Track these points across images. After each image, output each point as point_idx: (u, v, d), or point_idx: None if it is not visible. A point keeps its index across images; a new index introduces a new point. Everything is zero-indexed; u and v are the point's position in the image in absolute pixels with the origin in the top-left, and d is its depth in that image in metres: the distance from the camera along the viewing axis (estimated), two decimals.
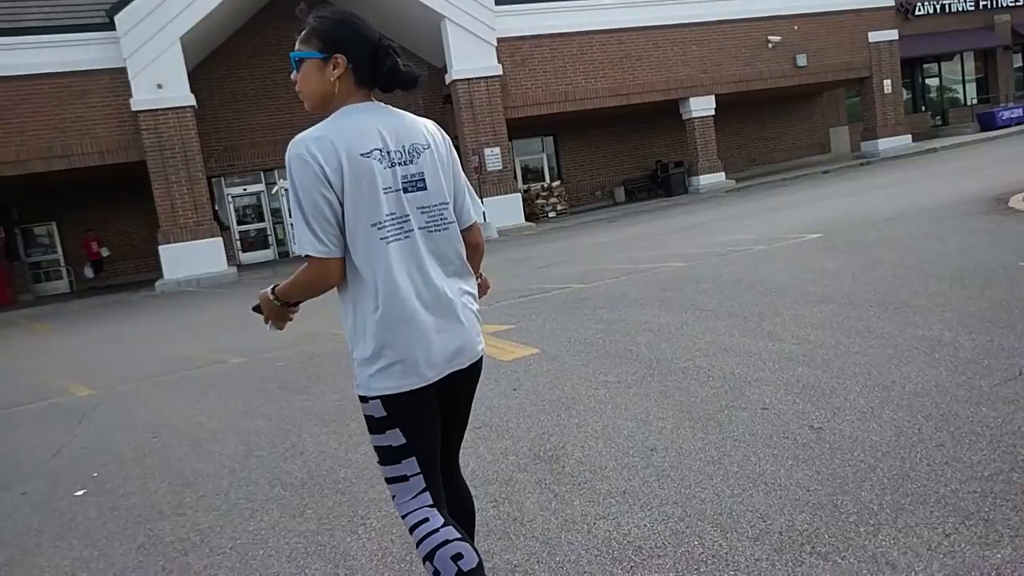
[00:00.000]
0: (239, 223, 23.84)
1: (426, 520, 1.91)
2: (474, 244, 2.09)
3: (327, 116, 1.91)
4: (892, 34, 26.94)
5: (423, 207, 1.89)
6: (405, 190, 1.86)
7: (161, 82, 18.23)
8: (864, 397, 3.66)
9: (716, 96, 24.57)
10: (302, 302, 2.02)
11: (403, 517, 1.95)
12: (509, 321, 7.17)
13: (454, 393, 2.02)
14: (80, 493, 4.08)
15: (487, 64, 21.18)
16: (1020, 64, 35.21)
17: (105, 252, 22.45)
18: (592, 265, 10.57)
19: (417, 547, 1.91)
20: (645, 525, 2.72)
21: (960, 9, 31.86)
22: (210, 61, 21.94)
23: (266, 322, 2.06)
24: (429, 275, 1.88)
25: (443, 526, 1.90)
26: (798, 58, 25.48)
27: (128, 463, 4.50)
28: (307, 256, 1.83)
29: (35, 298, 21.56)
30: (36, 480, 4.43)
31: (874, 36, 26.60)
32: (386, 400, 1.86)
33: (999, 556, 2.19)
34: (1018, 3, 32.51)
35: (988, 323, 4.56)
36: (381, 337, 1.83)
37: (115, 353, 9.34)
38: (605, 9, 22.71)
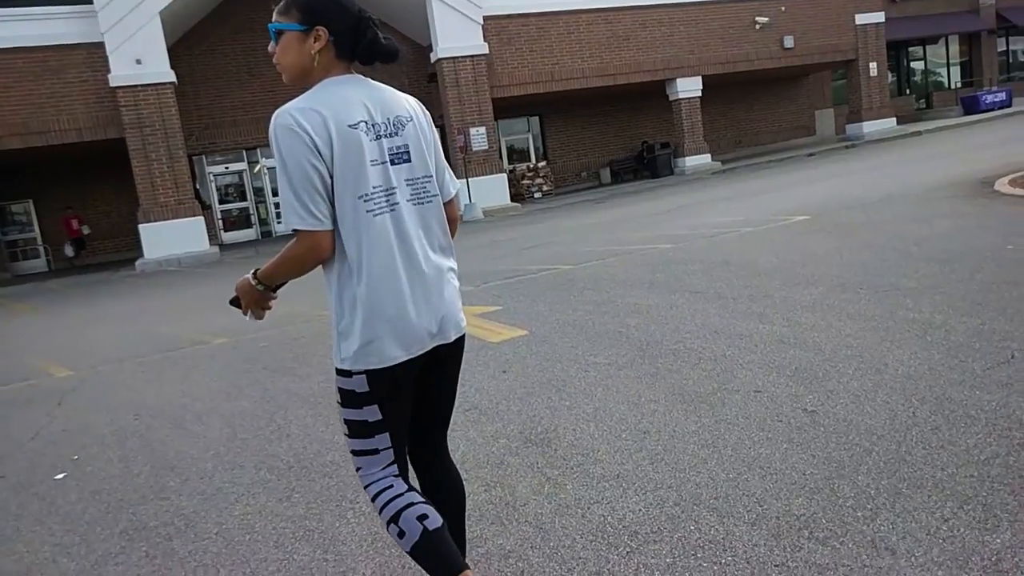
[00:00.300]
0: (221, 202, 23.53)
1: (390, 486, 1.92)
2: (452, 218, 2.06)
3: (307, 89, 1.86)
4: (879, 16, 26.95)
5: (409, 179, 1.87)
6: (392, 162, 1.84)
7: (140, 57, 17.88)
8: (857, 380, 3.64)
9: (703, 77, 24.48)
10: (284, 285, 1.96)
11: (366, 487, 1.96)
12: (496, 302, 7.11)
13: (439, 369, 2.01)
14: (60, 476, 3.99)
15: (473, 42, 20.95)
16: (1004, 48, 35.39)
17: (86, 230, 22.06)
18: (579, 246, 10.51)
19: (381, 512, 1.92)
20: (640, 510, 2.69)
21: None
22: (190, 37, 21.54)
23: (245, 313, 2.01)
24: (414, 249, 1.86)
25: (407, 491, 1.93)
26: (785, 39, 25.44)
27: (109, 446, 4.41)
28: (295, 230, 1.79)
29: (12, 277, 21.22)
30: (14, 463, 4.33)
31: (861, 18, 26.59)
32: (371, 375, 1.84)
33: (999, 541, 2.17)
34: None
35: (979, 306, 4.56)
36: (367, 311, 1.81)
37: (95, 333, 9.19)
38: None
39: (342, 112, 1.78)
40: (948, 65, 34.76)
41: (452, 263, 1.99)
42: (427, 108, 2.06)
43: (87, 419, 5.06)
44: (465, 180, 20.40)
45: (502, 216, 19.78)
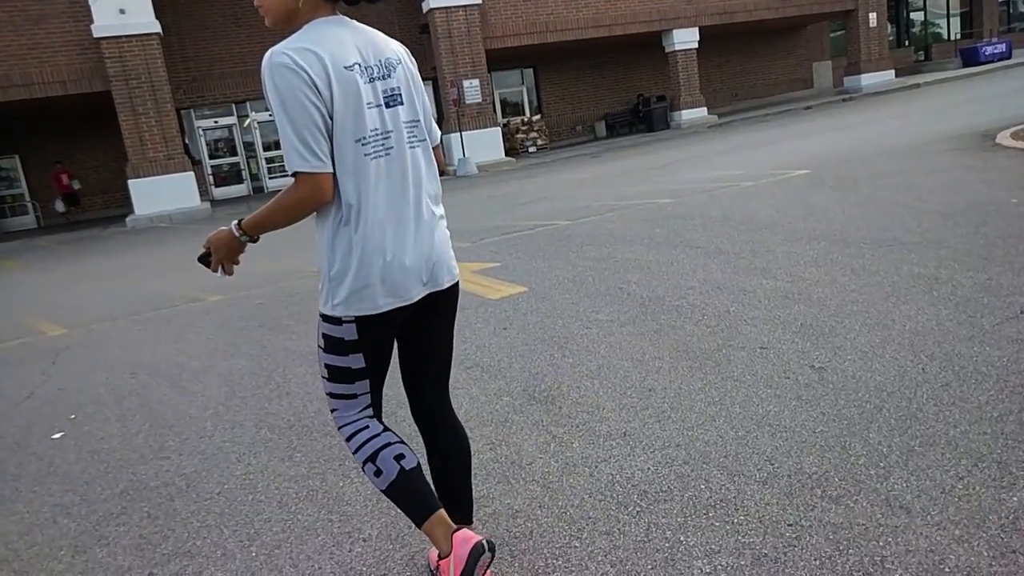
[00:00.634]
0: (211, 157, 23.18)
1: (366, 427, 1.95)
2: (439, 163, 2.03)
3: (292, 32, 1.78)
4: None
5: (404, 123, 1.83)
6: (386, 105, 1.79)
7: (124, 7, 17.38)
8: (864, 336, 3.60)
9: (700, 28, 24.03)
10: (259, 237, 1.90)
11: (340, 427, 1.98)
12: (494, 259, 7.03)
13: (433, 318, 1.98)
14: (57, 436, 3.94)
15: None
16: None
17: (76, 185, 21.71)
18: (576, 202, 10.40)
19: (357, 452, 1.94)
20: (649, 468, 2.65)
21: None
22: None
23: (215, 270, 1.94)
24: (408, 194, 1.83)
25: (383, 431, 1.95)
26: None
27: (106, 405, 4.36)
28: (295, 173, 1.72)
29: (1, 234, 20.97)
30: (9, 423, 4.28)
31: None
32: (361, 323, 1.82)
33: (1015, 499, 2.14)
34: None
35: (985, 260, 4.50)
36: (362, 256, 1.78)
37: (87, 291, 9.09)
38: None
39: (337, 53, 1.72)
40: (948, 16, 34.23)
41: (441, 209, 1.97)
42: (419, 60, 1.99)
43: (83, 378, 5.00)
44: (459, 134, 20.12)
45: (496, 171, 19.56)
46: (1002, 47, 29.24)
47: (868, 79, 26.59)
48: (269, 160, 23.33)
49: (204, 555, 2.54)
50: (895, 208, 6.42)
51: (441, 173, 2.03)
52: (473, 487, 2.30)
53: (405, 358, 2.07)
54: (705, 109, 24.81)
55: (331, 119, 1.71)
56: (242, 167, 23.55)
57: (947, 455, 2.43)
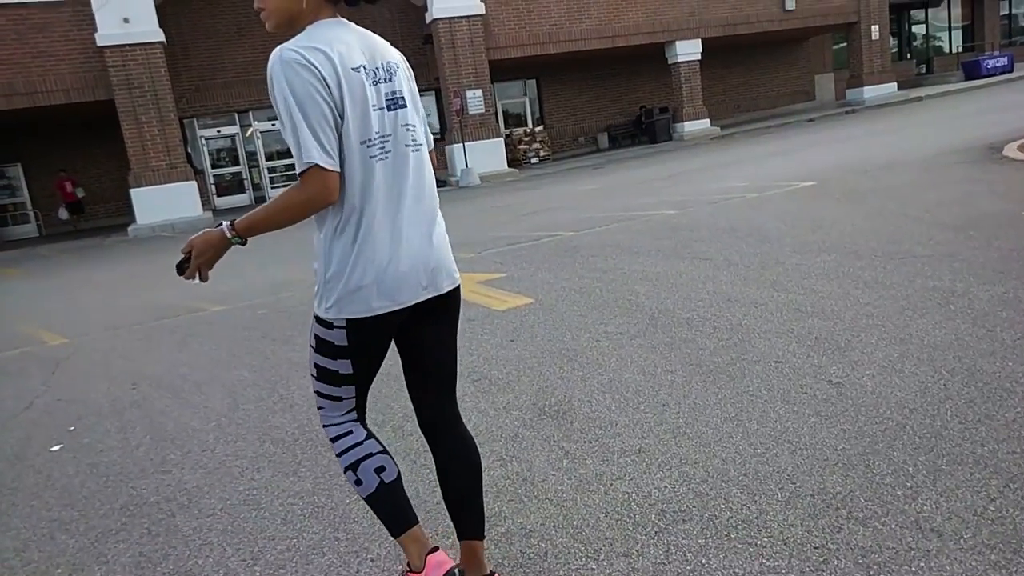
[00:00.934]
0: (213, 167, 23.15)
1: (349, 433, 1.96)
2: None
3: (294, 35, 1.75)
4: None
5: (403, 126, 1.82)
6: (388, 108, 1.78)
7: (128, 16, 17.39)
8: (882, 350, 3.52)
9: (702, 40, 24.06)
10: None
11: (325, 427, 2.00)
12: (499, 270, 6.96)
13: (434, 323, 1.94)
14: (56, 448, 3.86)
15: (469, 2, 20.47)
16: (1007, 12, 34.91)
17: (80, 193, 21.69)
18: (580, 212, 10.34)
19: (339, 456, 1.97)
20: (666, 486, 2.57)
21: None
22: None
23: (191, 275, 1.87)
24: (406, 197, 1.81)
25: (366, 439, 1.96)
26: (786, 1, 24.99)
27: (106, 416, 4.28)
28: (303, 173, 1.68)
29: (2, 242, 20.92)
30: (8, 434, 4.20)
31: None
32: (352, 326, 1.81)
33: None
34: None
35: (1000, 274, 4.43)
36: (359, 259, 1.76)
37: (89, 300, 9.02)
38: None
39: (345, 54, 1.71)
40: (950, 29, 34.28)
41: (439, 213, 1.94)
42: (422, 70, 1.96)
43: (83, 389, 4.92)
44: (461, 144, 20.10)
45: (499, 181, 19.53)
46: (1004, 60, 29.26)
47: (871, 91, 26.60)
48: (271, 170, 23.30)
49: (206, 574, 2.46)
50: (905, 221, 6.36)
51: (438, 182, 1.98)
52: (485, 504, 2.22)
53: (408, 366, 2.03)
54: (708, 121, 24.80)
55: (341, 119, 1.69)
56: (244, 177, 23.51)
57: (976, 475, 2.35)
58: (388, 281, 1.78)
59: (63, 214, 21.41)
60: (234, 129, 23.03)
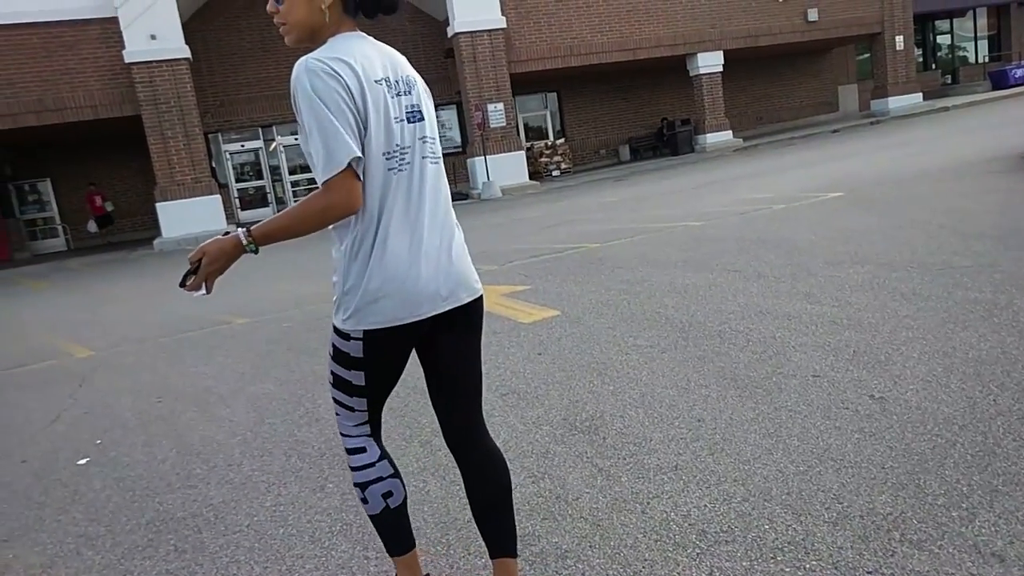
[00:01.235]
0: (237, 181, 23.36)
1: (364, 450, 1.97)
2: None
3: (313, 49, 1.74)
4: None
5: (421, 138, 1.83)
6: (409, 119, 1.79)
7: (155, 33, 17.64)
8: (924, 364, 3.41)
9: (724, 52, 23.95)
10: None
11: (341, 435, 2.01)
12: (523, 282, 6.90)
13: (455, 335, 1.90)
14: (83, 462, 3.84)
15: (490, 16, 20.53)
16: None
17: (109, 207, 22.03)
18: (604, 224, 10.26)
19: (351, 470, 2.00)
20: (705, 506, 2.48)
21: None
22: (204, 12, 21.28)
23: (196, 288, 1.81)
24: (424, 208, 1.81)
25: (379, 460, 1.98)
26: (809, 12, 24.85)
27: (132, 429, 4.26)
28: (327, 181, 1.65)
29: (32, 256, 21.22)
30: (35, 447, 4.19)
31: None
32: (369, 338, 1.80)
33: None
34: None
35: None
36: (379, 270, 1.75)
37: (115, 313, 9.07)
38: None
39: (367, 66, 1.72)
40: (975, 39, 33.88)
41: (457, 224, 1.93)
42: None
43: (109, 401, 4.91)
44: (483, 158, 20.12)
45: (520, 194, 19.50)
46: None
47: (895, 102, 26.32)
48: (294, 183, 23.47)
49: None
50: (939, 231, 6.21)
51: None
52: (516, 523, 2.15)
53: (430, 380, 2.00)
54: (730, 133, 24.65)
55: (364, 130, 1.69)
56: (268, 190, 23.69)
57: None
58: (407, 292, 1.76)
59: (92, 227, 21.72)
60: (258, 143, 23.25)
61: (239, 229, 1.80)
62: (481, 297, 1.93)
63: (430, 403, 2.02)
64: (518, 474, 2.90)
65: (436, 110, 1.82)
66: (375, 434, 2.00)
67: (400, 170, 1.76)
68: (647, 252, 7.42)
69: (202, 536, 2.84)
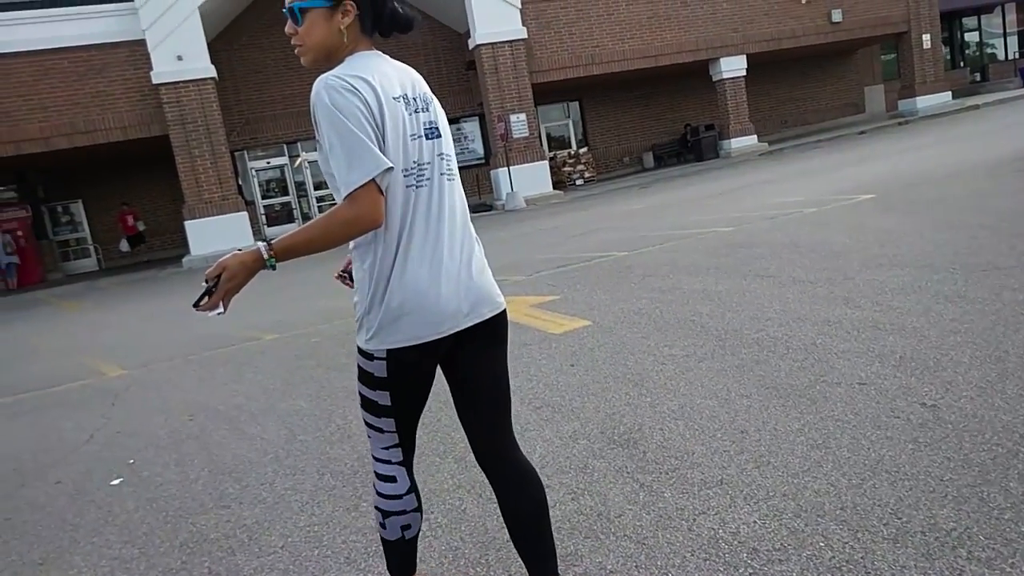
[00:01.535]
0: (263, 197, 23.58)
1: (394, 480, 1.95)
2: None
3: (330, 69, 1.73)
4: None
5: (439, 155, 1.83)
6: (427, 136, 1.80)
7: (181, 53, 17.91)
8: (977, 369, 3.27)
9: (747, 56, 23.75)
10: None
11: (373, 458, 2.00)
12: (552, 292, 6.82)
13: (479, 350, 1.88)
14: (116, 482, 3.82)
15: (511, 27, 20.56)
16: None
17: (141, 226, 22.36)
18: (631, 232, 10.15)
19: (376, 495, 1.99)
20: (755, 522, 2.38)
21: None
22: (229, 32, 21.56)
23: (213, 307, 1.76)
24: (443, 225, 1.80)
25: (407, 493, 1.96)
26: (833, 13, 24.56)
27: (164, 449, 4.24)
28: (352, 193, 1.64)
29: (64, 276, 21.56)
30: (69, 467, 4.18)
31: None
32: (392, 357, 1.78)
33: None
34: None
35: None
36: (400, 288, 1.74)
37: (146, 331, 9.14)
38: None
39: (385, 84, 1.73)
40: (1004, 36, 33.30)
41: (477, 240, 1.92)
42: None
43: (141, 421, 4.91)
44: (506, 168, 20.10)
45: (544, 204, 19.45)
46: None
47: (924, 102, 25.90)
48: (320, 199, 23.63)
49: None
50: (979, 231, 6.03)
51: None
52: (557, 542, 2.07)
53: (457, 396, 1.96)
54: (755, 137, 24.40)
55: (383, 145, 1.68)
56: (293, 206, 23.88)
57: None
58: (428, 310, 1.75)
59: (124, 246, 22.06)
60: (283, 160, 23.45)
61: (259, 243, 1.75)
62: (504, 311, 1.91)
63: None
64: (557, 491, 2.81)
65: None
66: (407, 460, 1.97)
67: (419, 187, 1.76)
68: (677, 259, 7.31)
69: (236, 558, 2.79)
